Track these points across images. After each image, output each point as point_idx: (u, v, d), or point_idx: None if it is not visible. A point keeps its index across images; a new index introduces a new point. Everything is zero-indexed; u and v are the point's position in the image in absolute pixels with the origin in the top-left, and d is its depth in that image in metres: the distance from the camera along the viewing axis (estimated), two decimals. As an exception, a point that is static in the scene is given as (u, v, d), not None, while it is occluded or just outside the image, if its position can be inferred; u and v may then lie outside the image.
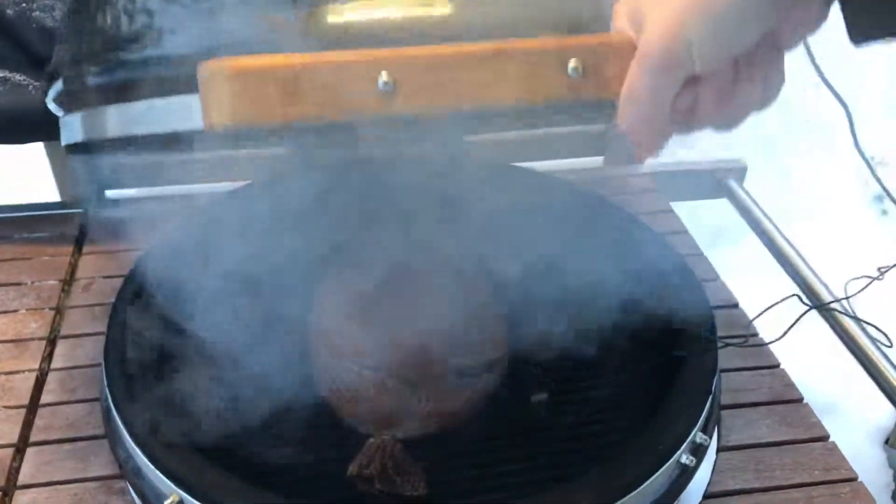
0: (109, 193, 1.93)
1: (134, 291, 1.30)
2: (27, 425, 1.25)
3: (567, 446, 1.26)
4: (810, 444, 1.25)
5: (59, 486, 1.16)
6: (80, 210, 1.72)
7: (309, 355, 1.25)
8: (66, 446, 1.22)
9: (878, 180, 1.86)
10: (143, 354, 1.21)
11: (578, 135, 1.98)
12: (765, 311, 1.27)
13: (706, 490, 1.19)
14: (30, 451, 1.21)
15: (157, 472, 1.03)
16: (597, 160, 2.02)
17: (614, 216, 1.47)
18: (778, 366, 1.39)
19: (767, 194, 1.89)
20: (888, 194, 1.90)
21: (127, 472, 1.11)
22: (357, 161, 1.57)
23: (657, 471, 1.04)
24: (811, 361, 1.57)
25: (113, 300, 1.29)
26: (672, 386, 1.16)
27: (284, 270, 1.41)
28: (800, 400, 1.33)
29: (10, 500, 1.13)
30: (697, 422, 1.11)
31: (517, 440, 1.26)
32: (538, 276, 1.55)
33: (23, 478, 1.17)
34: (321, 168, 1.57)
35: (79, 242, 1.65)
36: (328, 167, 1.57)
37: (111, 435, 1.16)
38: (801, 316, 1.23)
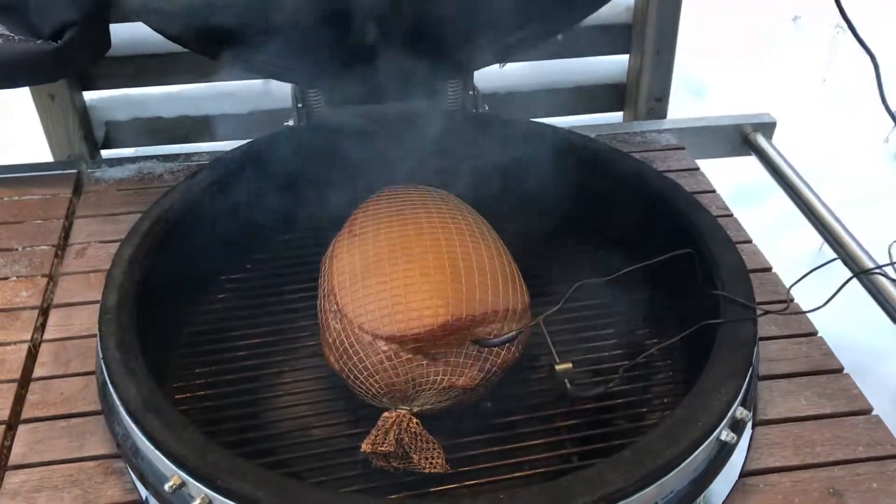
0: (105, 153, 1.85)
1: (132, 255, 1.21)
2: (18, 401, 1.18)
3: (593, 419, 1.18)
4: (852, 417, 1.18)
5: (53, 467, 1.09)
6: (73, 170, 1.63)
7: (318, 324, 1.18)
8: (61, 423, 1.15)
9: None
10: (141, 324, 1.13)
11: (596, 88, 1.89)
12: (805, 275, 1.19)
13: (743, 467, 1.11)
14: (21, 429, 1.14)
15: (157, 452, 0.96)
16: (616, 115, 1.94)
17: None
18: (815, 334, 1.31)
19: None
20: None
21: (125, 451, 1.04)
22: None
23: (696, 449, 0.97)
24: (845, 327, 1.48)
25: (109, 266, 1.21)
26: (709, 356, 1.08)
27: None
28: (840, 370, 1.25)
29: (1, 482, 1.06)
30: (738, 396, 1.03)
31: (539, 414, 1.19)
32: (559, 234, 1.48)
33: (14, 457, 1.10)
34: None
35: (72, 205, 1.56)
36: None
37: (108, 411, 1.09)
38: (845, 283, 1.14)
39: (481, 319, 1.11)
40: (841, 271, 1.38)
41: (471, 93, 1.55)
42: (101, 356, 1.08)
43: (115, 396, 1.03)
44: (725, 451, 1.03)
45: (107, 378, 1.05)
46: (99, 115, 1.81)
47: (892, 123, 1.50)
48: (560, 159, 1.34)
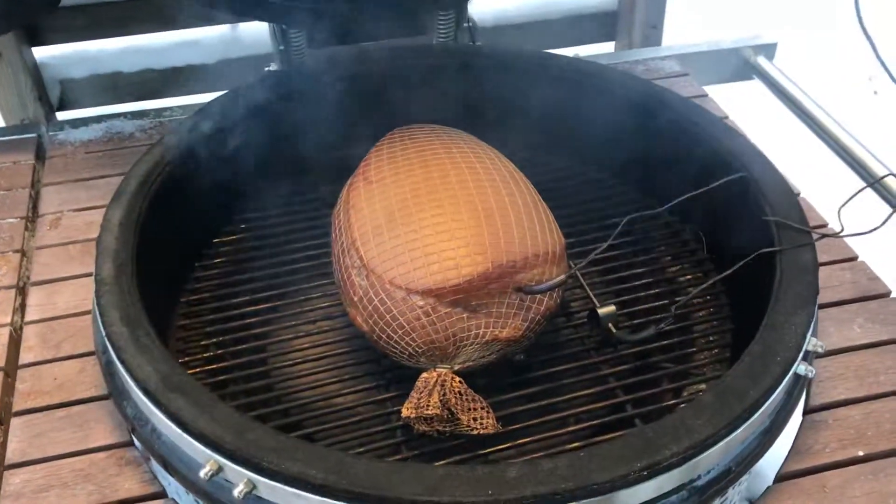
0: (61, 115, 1.69)
1: (122, 219, 1.08)
2: (7, 392, 1.05)
3: (640, 364, 1.11)
4: (911, 342, 1.12)
5: (58, 462, 0.97)
6: (33, 134, 1.47)
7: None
8: (60, 413, 1.02)
9: (879, 58, 1.71)
10: (147, 290, 1.00)
11: (587, 18, 1.79)
12: (851, 198, 1.11)
13: (806, 404, 1.04)
14: (15, 423, 1.01)
15: (187, 436, 0.84)
16: (608, 45, 1.85)
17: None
18: (856, 258, 1.25)
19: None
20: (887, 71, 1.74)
21: (143, 438, 0.92)
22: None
23: (778, 386, 0.89)
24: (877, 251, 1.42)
25: (89, 235, 1.08)
26: (772, 287, 1.00)
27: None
28: (888, 294, 1.19)
29: (-1, 484, 0.94)
30: (810, 326, 0.95)
31: (582, 362, 1.10)
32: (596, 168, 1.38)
33: (11, 455, 0.97)
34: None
35: (37, 172, 1.41)
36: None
37: (117, 395, 0.97)
38: (889, 216, 1.07)
39: (522, 265, 1.01)
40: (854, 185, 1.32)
41: (467, 25, 1.44)
42: (103, 333, 0.95)
43: (127, 377, 0.91)
44: (800, 385, 0.97)
45: (114, 357, 0.93)
46: (52, 73, 1.64)
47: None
48: (577, 89, 1.25)
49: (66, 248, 1.24)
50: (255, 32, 1.65)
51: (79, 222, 1.29)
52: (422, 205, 1.04)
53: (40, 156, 1.44)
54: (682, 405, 0.98)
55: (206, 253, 1.26)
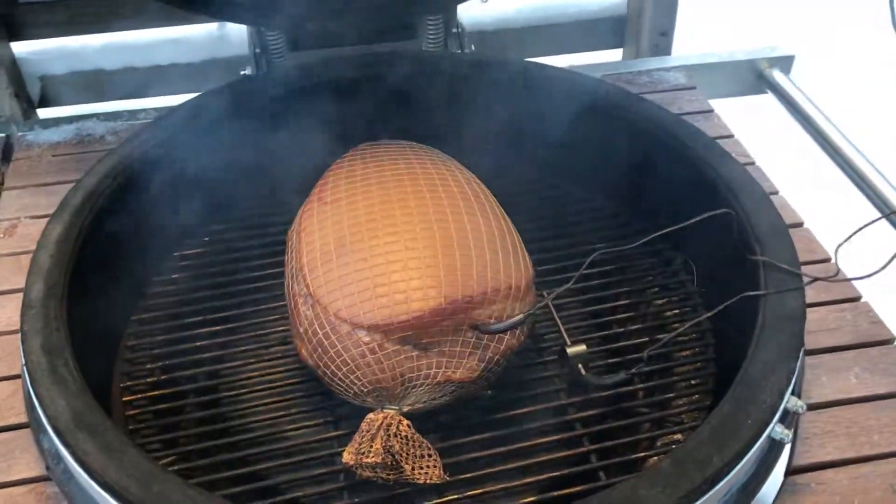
0: (42, 112, 1.64)
1: (61, 235, 1.01)
2: (-68, 412, 0.99)
3: (611, 409, 1.02)
4: (913, 397, 1.02)
5: (-27, 495, 0.91)
6: (1, 134, 1.42)
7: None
8: (-17, 440, 0.97)
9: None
10: (76, 317, 0.94)
11: (593, 23, 1.69)
12: (852, 235, 1.01)
13: (789, 464, 0.95)
14: (-65, 448, 0.96)
15: (92, 482, 0.78)
16: (615, 53, 1.75)
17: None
18: (859, 298, 1.14)
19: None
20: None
21: (56, 476, 0.86)
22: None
23: (747, 453, 0.80)
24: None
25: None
26: (743, 331, 0.91)
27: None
28: (891, 340, 1.09)
29: None
30: (790, 383, 0.86)
31: (548, 405, 1.02)
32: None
33: (-74, 484, 0.92)
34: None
35: (0, 174, 1.35)
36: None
37: (36, 427, 0.91)
38: (892, 258, 0.96)
39: (480, 300, 0.93)
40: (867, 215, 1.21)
41: (455, 31, 1.36)
42: (23, 361, 0.89)
43: (40, 411, 0.85)
44: (776, 451, 0.87)
45: (30, 388, 0.87)
46: (32, 69, 1.59)
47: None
48: (561, 103, 1.16)
49: (18, 259, 1.19)
50: (244, 31, 1.58)
51: (35, 231, 1.22)
52: (375, 230, 0.97)
53: (6, 157, 1.38)
54: (653, 456, 0.91)
55: (165, 267, 1.20)
